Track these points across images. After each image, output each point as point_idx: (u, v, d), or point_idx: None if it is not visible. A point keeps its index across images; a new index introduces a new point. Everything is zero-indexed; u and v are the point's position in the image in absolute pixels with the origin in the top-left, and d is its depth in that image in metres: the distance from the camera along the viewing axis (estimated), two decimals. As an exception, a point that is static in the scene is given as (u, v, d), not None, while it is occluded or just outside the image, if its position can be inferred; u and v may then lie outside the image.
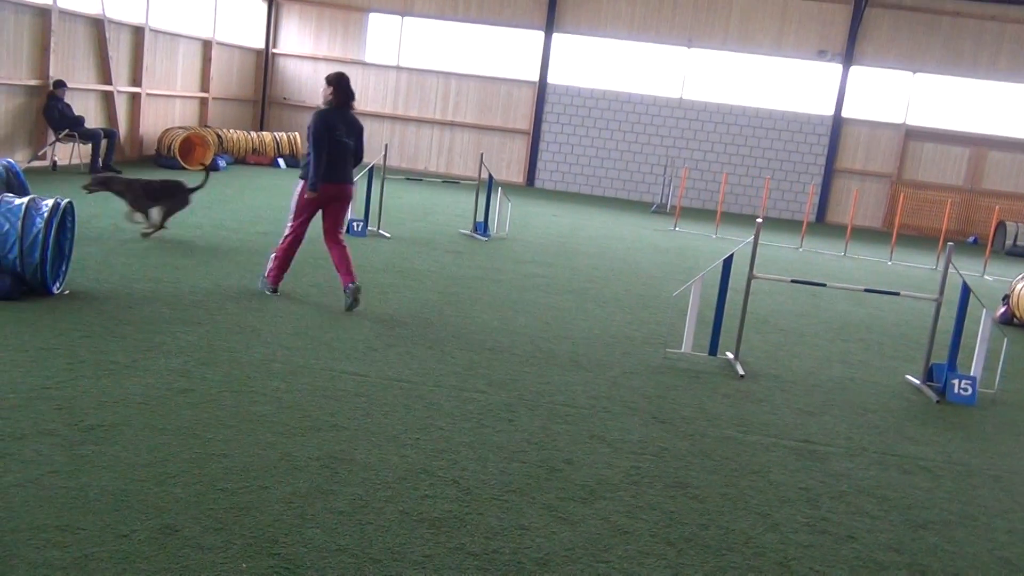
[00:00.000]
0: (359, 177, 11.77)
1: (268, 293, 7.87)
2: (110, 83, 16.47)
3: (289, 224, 7.85)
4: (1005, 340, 7.31)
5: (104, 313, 6.67)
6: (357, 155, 7.94)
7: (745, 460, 5.20)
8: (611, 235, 14.94)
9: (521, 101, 22.54)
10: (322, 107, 7.83)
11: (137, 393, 5.11)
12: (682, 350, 7.31)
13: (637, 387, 6.40)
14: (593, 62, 22.26)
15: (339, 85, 7.76)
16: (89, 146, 15.02)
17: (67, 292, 7.08)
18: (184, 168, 16.87)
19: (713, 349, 7.31)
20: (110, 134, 15.45)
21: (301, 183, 7.72)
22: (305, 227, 7.89)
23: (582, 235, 14.47)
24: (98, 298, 7.08)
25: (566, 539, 3.95)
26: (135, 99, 17.46)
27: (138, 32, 17.27)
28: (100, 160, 14.98)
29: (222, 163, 17.86)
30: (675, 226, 17.13)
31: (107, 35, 16.10)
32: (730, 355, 7.40)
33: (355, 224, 11.61)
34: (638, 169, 22.39)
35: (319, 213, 7.84)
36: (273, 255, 7.96)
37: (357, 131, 7.88)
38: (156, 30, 17.81)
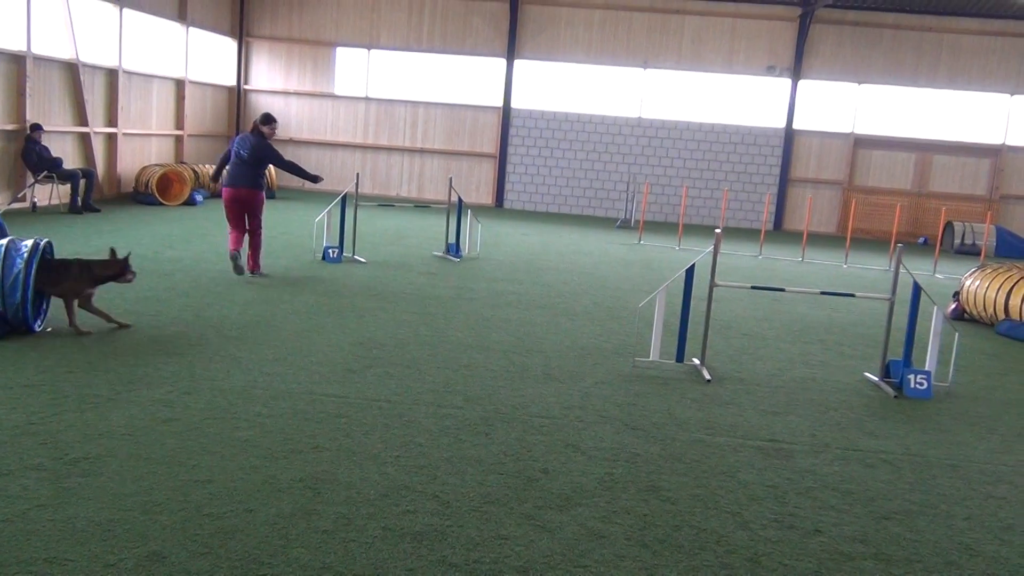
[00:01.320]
0: (332, 206, 11.78)
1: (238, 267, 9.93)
2: (86, 124, 16.36)
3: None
4: (956, 335, 7.40)
5: (86, 348, 6.59)
6: (256, 166, 9.96)
7: (714, 462, 5.22)
8: (579, 251, 14.99)
9: (487, 126, 22.62)
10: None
11: (121, 425, 5.05)
12: (650, 358, 7.33)
13: (608, 396, 6.40)
14: (554, 86, 22.40)
15: (261, 118, 10.13)
16: (68, 186, 14.88)
17: (49, 329, 6.99)
18: (162, 204, 16.77)
19: (680, 356, 7.34)
20: (88, 174, 15.32)
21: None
22: (237, 224, 9.96)
23: (551, 252, 14.51)
24: (81, 333, 6.99)
25: (545, 546, 3.94)
26: (111, 139, 17.34)
27: (112, 74, 17.17)
28: (79, 199, 14.85)
29: (199, 198, 17.75)
30: (640, 240, 17.22)
31: (82, 78, 16.00)
32: (696, 361, 7.43)
33: (331, 251, 11.57)
34: (602, 186, 22.51)
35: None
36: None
37: (252, 149, 9.89)
38: (130, 72, 17.72)
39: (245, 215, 9.93)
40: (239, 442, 4.92)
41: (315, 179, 10.49)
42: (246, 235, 10.03)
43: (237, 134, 9.07)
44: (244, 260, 10.08)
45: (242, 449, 4.82)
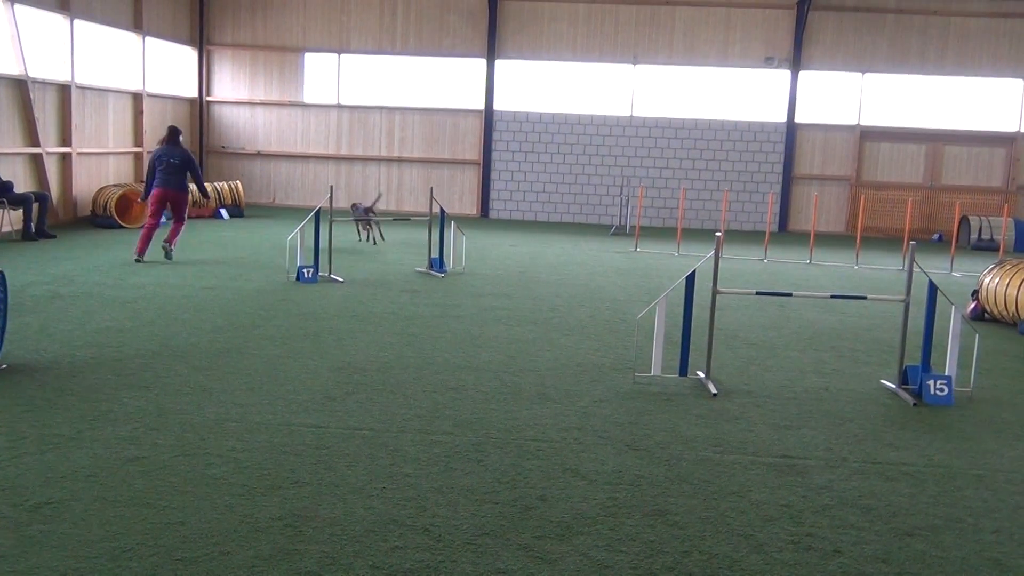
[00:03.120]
0: (305, 222, 11.78)
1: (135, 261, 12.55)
2: (38, 145, 16.32)
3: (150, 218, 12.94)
4: (977, 336, 7.44)
5: (45, 384, 6.56)
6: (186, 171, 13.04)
7: (724, 481, 5.22)
8: (571, 261, 15.02)
9: (468, 131, 22.68)
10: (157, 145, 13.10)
11: (85, 466, 5.03)
12: (652, 373, 7.34)
13: (608, 415, 6.41)
14: (539, 86, 22.49)
15: (168, 132, 13.15)
16: (20, 212, 14.84)
17: (4, 366, 6.96)
18: (122, 226, 16.73)
19: (683, 370, 7.35)
20: (41, 198, 15.28)
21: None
22: (158, 217, 12.96)
23: (541, 263, 14.54)
24: (38, 369, 6.97)
25: (545, 579, 3.94)
26: (66, 159, 17.31)
27: (64, 90, 17.15)
28: (33, 225, 14.81)
29: (161, 219, 17.68)
30: (636, 247, 17.27)
31: (32, 95, 15.97)
32: (701, 374, 7.45)
33: (305, 271, 11.56)
34: (594, 191, 22.58)
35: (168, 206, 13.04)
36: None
37: (182, 156, 12.98)
38: (83, 87, 17.71)
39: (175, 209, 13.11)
40: (212, 480, 4.90)
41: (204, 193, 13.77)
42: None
43: (153, 151, 13.15)
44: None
45: (216, 487, 4.80)
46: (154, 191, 12.76)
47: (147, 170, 12.94)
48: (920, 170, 22.28)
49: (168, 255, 12.85)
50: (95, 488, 4.73)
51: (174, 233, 13.01)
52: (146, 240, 12.77)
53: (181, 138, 13.23)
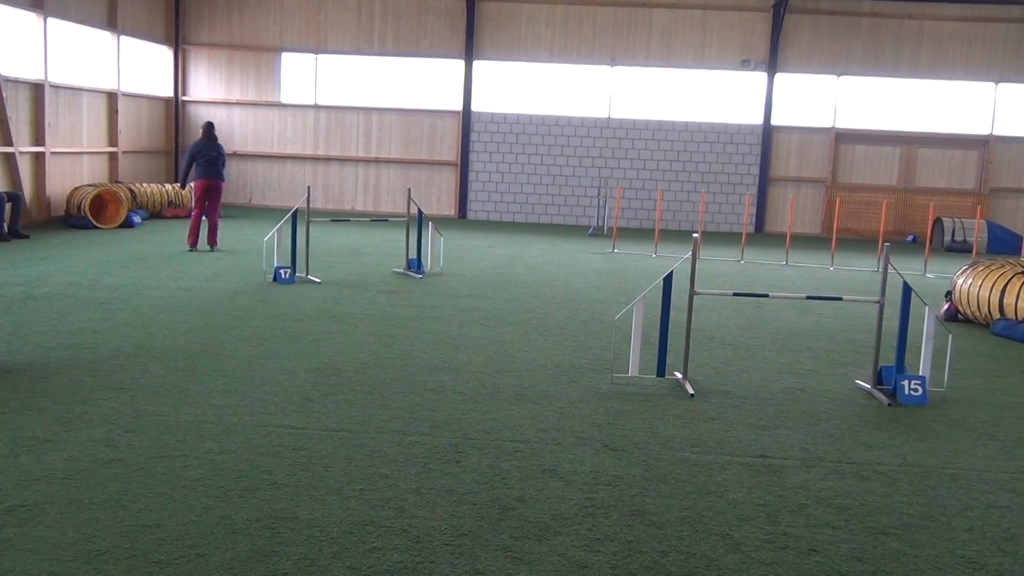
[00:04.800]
0: (282, 223, 11.74)
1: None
2: (10, 144, 16.17)
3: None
4: (950, 337, 7.51)
5: (19, 386, 6.50)
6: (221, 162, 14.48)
7: (701, 481, 5.25)
8: (549, 262, 15.04)
9: (446, 132, 22.67)
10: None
11: (59, 468, 4.98)
12: (629, 374, 7.37)
13: (586, 416, 6.42)
14: (517, 87, 22.52)
15: (206, 127, 14.61)
16: (-8, 212, 14.70)
17: (-23, 367, 6.89)
18: (96, 227, 16.60)
19: (661, 370, 7.38)
20: (14, 198, 15.14)
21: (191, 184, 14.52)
22: (202, 206, 14.30)
23: (520, 264, 14.55)
24: (11, 371, 6.90)
25: (523, 580, 3.94)
26: (39, 159, 17.15)
27: (37, 89, 17.00)
28: (5, 226, 14.66)
29: (136, 219, 17.60)
30: (613, 248, 17.31)
31: (4, 94, 15.82)
32: (678, 375, 7.48)
33: (282, 272, 11.51)
34: (571, 192, 22.62)
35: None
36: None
37: (219, 150, 14.48)
38: (56, 85, 17.56)
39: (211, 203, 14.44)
40: (189, 481, 4.88)
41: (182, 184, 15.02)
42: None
43: (192, 145, 14.50)
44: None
45: (192, 489, 4.78)
46: (199, 182, 14.08)
47: (186, 162, 14.27)
48: (894, 172, 22.48)
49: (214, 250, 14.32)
50: (70, 491, 4.69)
51: (213, 233, 14.35)
52: (196, 230, 14.12)
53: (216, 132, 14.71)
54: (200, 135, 14.52)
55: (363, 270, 13.05)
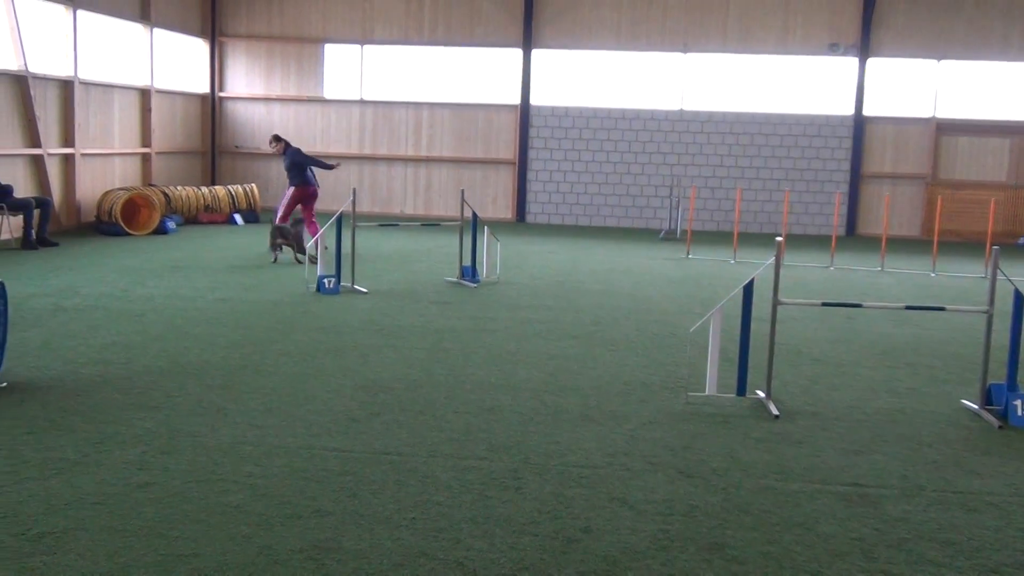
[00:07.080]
0: (325, 228, 11.88)
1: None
2: (39, 145, 16.61)
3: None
4: (1069, 351, 7.33)
5: (48, 404, 6.67)
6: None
7: (787, 512, 5.19)
8: (616, 269, 15.01)
9: (503, 128, 22.76)
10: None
11: (91, 492, 5.10)
12: (706, 393, 7.32)
13: (659, 439, 6.40)
14: (580, 78, 22.53)
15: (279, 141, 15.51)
16: (20, 218, 15.09)
17: (4, 384, 7.08)
18: (129, 233, 16.96)
19: (741, 389, 7.32)
20: (43, 203, 15.52)
21: (292, 189, 14.99)
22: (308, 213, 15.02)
23: (583, 272, 14.54)
24: (41, 388, 7.08)
25: (590, 619, 3.93)
26: (68, 161, 17.59)
27: (67, 86, 17.45)
28: (34, 232, 15.04)
29: (171, 225, 17.96)
30: (687, 253, 17.22)
31: (32, 92, 16.26)
32: (761, 394, 7.41)
33: (326, 281, 11.65)
34: (640, 193, 22.55)
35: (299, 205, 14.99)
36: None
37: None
38: (87, 82, 18.00)
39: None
40: (228, 508, 4.95)
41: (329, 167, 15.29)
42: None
43: (296, 150, 15.54)
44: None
45: (231, 516, 4.85)
46: (311, 189, 15.08)
47: (306, 168, 15.12)
48: (1004, 167, 22.01)
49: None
50: (102, 516, 4.79)
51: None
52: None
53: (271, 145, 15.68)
54: (286, 143, 15.37)
55: (413, 279, 13.15)
